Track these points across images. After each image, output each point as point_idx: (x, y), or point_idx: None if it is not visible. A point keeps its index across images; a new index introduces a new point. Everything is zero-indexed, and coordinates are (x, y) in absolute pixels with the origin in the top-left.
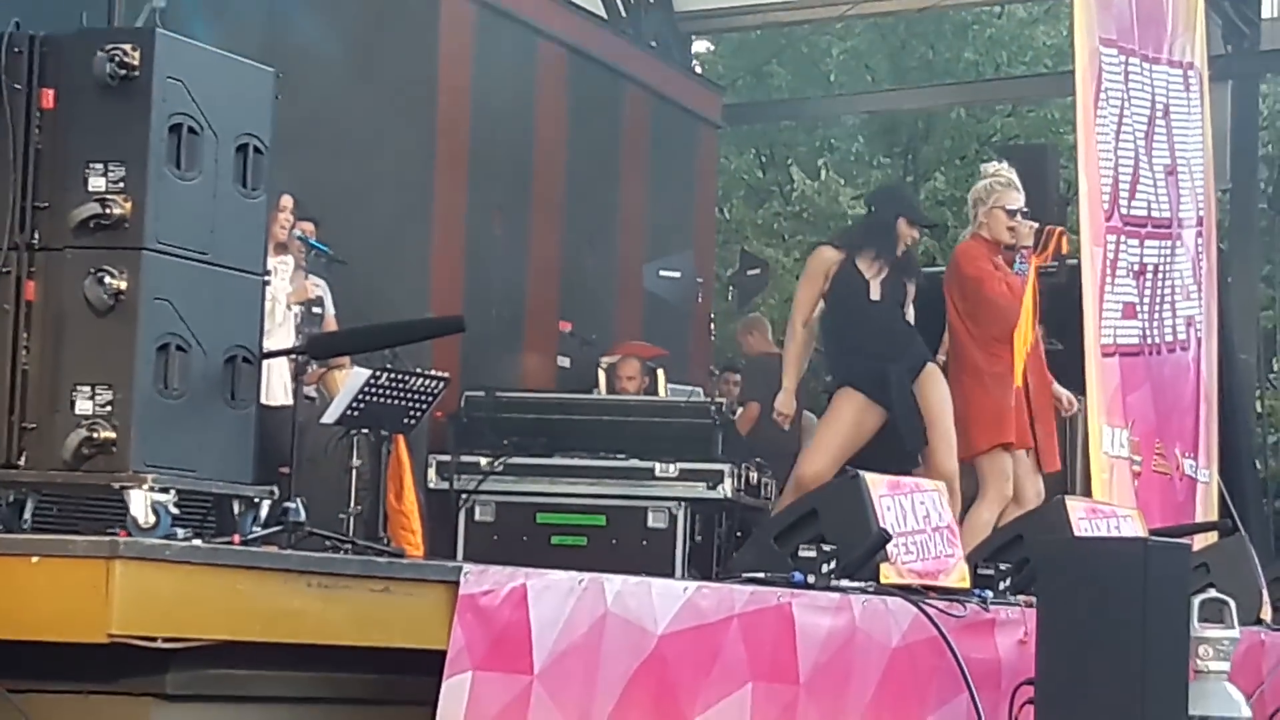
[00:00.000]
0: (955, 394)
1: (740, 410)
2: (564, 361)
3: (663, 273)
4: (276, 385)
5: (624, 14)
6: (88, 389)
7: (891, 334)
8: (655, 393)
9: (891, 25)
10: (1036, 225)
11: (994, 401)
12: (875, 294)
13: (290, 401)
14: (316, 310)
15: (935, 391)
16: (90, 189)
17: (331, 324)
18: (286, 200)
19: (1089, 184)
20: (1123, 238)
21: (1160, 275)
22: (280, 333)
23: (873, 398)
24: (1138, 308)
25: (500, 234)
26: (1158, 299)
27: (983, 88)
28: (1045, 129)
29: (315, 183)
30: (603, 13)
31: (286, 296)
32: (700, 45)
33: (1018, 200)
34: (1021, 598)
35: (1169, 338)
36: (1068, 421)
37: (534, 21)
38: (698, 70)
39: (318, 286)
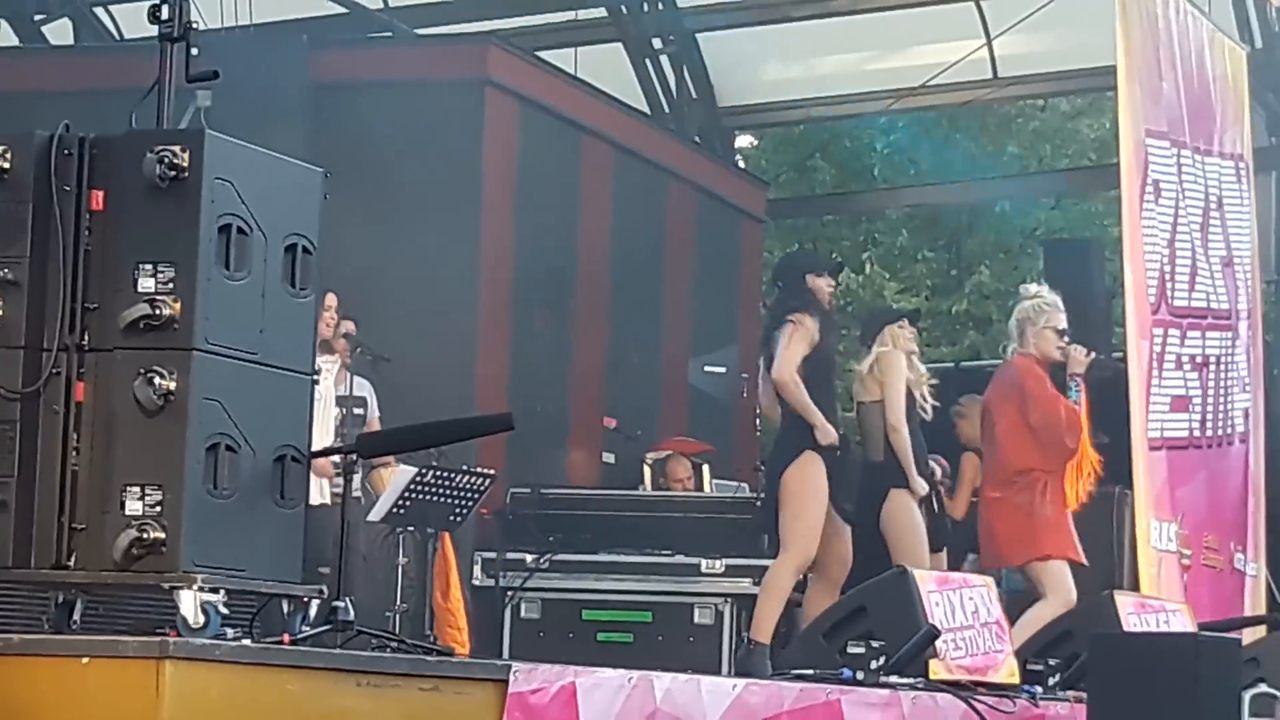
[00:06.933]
0: (1013, 504)
1: None
2: (609, 458)
3: (708, 368)
4: (313, 485)
5: (667, 110)
6: (137, 489)
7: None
8: (701, 488)
9: (934, 119)
10: (1091, 353)
11: (1062, 517)
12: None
13: (326, 501)
14: (359, 411)
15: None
16: (140, 290)
17: (375, 423)
18: (331, 299)
19: (1134, 277)
20: (1173, 330)
21: (1222, 367)
22: (322, 433)
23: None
24: (1197, 400)
25: (545, 330)
26: (1221, 391)
27: (1027, 181)
28: (1090, 222)
29: (360, 280)
30: (646, 108)
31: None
32: (744, 140)
33: (1063, 321)
34: (1071, 693)
35: (1228, 430)
36: (1114, 515)
37: (578, 118)
38: (741, 165)
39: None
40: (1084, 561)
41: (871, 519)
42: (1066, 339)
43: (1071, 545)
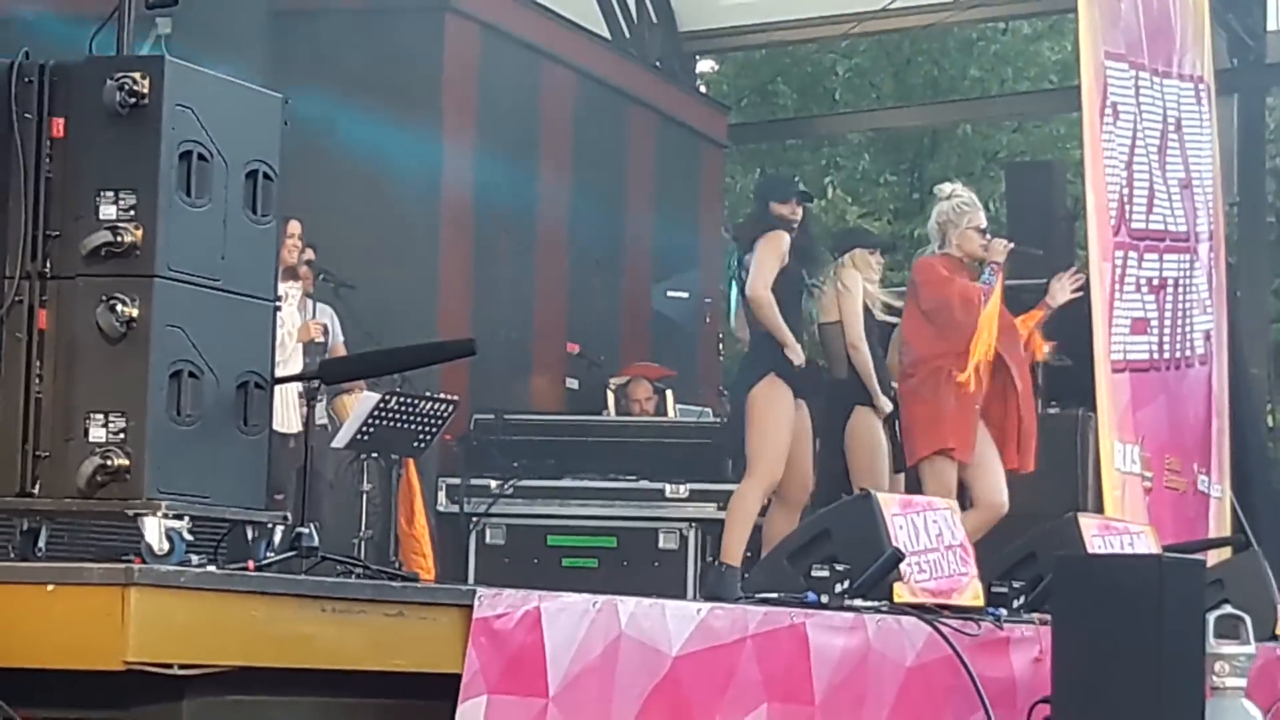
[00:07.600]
0: (912, 399)
1: None
2: (572, 383)
3: (670, 293)
4: (285, 411)
5: (628, 34)
6: (101, 417)
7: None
8: (664, 413)
9: (896, 42)
10: (1010, 244)
11: (932, 408)
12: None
13: (295, 429)
14: (320, 340)
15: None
16: (101, 217)
17: (340, 350)
18: (294, 226)
19: (1096, 199)
20: (1132, 253)
21: (1180, 289)
22: (287, 360)
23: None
24: (1155, 323)
25: (507, 256)
26: (1179, 313)
27: (988, 104)
28: (1051, 145)
29: (322, 207)
30: (607, 33)
31: (293, 330)
32: (705, 65)
33: (984, 219)
34: (1036, 616)
35: (1188, 352)
36: (1078, 437)
37: (539, 43)
38: (702, 90)
39: (320, 326)
40: (952, 446)
41: (836, 436)
42: (988, 235)
43: (951, 437)
